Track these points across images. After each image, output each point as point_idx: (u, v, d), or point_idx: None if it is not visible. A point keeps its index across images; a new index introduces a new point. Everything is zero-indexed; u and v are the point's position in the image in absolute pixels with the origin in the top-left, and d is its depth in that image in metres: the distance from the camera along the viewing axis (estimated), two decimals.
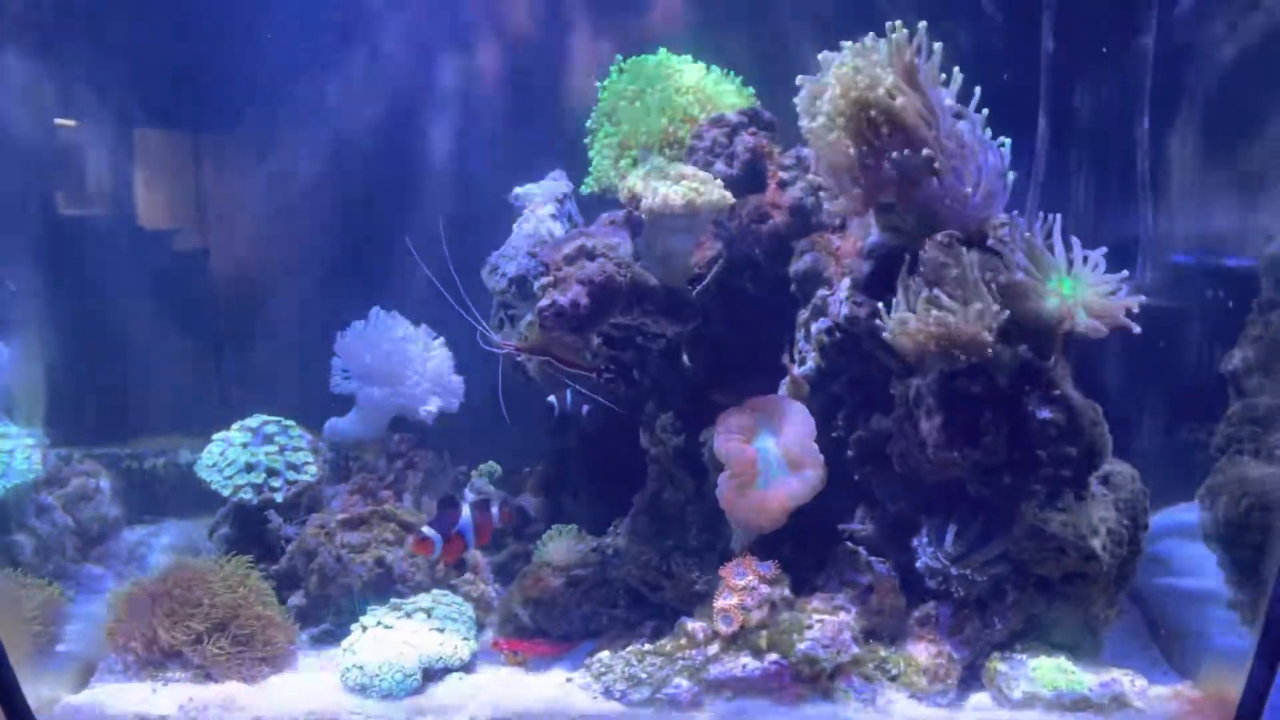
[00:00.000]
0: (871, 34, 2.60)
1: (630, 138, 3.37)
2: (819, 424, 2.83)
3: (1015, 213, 2.67)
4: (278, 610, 2.99)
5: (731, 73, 3.53)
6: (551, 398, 3.36)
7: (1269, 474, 2.84)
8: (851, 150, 2.64)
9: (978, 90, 2.59)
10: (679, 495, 3.01)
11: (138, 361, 4.00)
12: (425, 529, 2.95)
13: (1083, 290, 2.49)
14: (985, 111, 2.59)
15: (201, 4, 3.91)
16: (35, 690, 2.58)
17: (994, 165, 2.61)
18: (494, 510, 3.10)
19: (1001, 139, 2.62)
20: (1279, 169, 3.21)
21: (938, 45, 2.56)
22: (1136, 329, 2.44)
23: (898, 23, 2.55)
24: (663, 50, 3.51)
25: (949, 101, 2.59)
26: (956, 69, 2.59)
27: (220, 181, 4.24)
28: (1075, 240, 2.50)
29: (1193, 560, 3.14)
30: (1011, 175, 2.65)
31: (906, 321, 2.51)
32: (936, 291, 2.48)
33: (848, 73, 2.56)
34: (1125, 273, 2.47)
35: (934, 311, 2.46)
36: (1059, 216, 2.51)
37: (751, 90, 3.50)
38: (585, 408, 3.34)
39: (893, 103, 2.52)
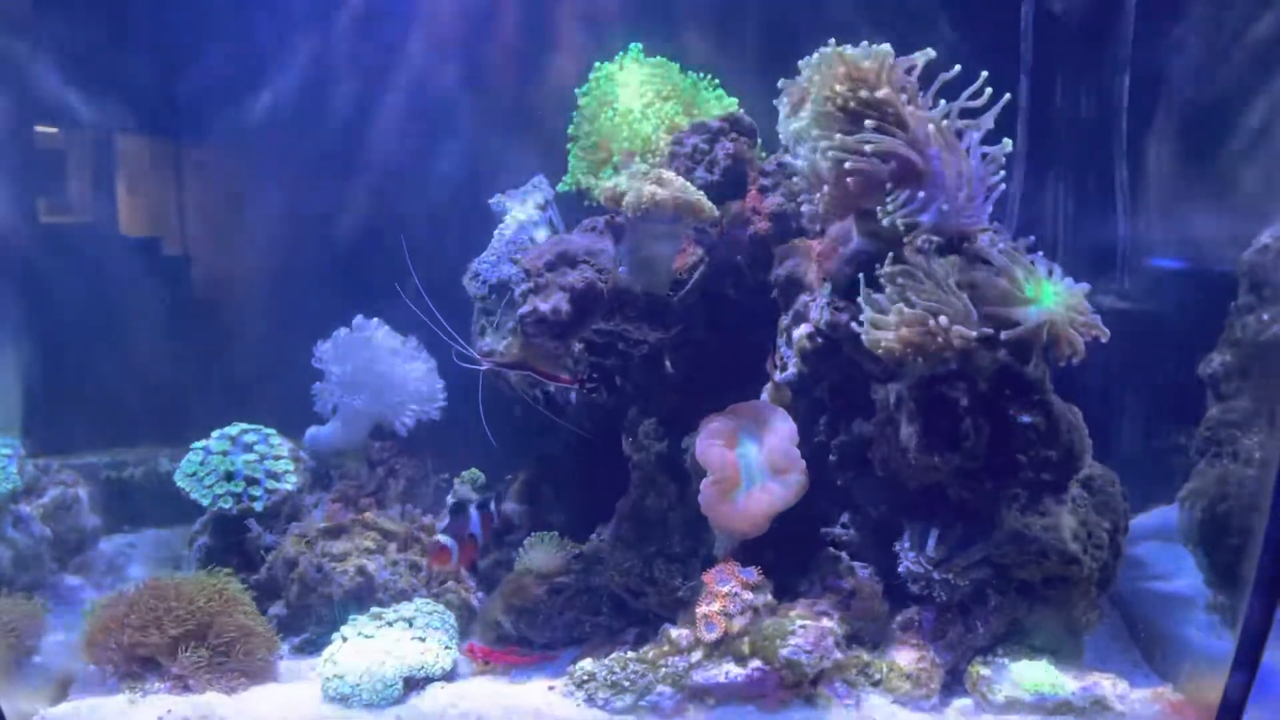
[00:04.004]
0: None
1: (610, 141, 3.36)
2: (801, 429, 2.84)
3: (996, 219, 2.69)
4: (258, 620, 2.96)
5: (710, 77, 3.53)
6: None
7: (1247, 477, 2.85)
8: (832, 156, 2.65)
9: (963, 94, 2.60)
10: (662, 501, 3.01)
11: (117, 370, 3.97)
12: (441, 537, 2.96)
13: (1062, 297, 2.50)
14: (986, 124, 2.59)
15: (184, 10, 3.90)
16: (13, 703, 2.56)
17: (976, 171, 2.61)
18: (492, 508, 3.18)
19: (1004, 141, 2.62)
20: (1255, 174, 3.23)
21: (917, 55, 2.57)
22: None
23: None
24: (635, 48, 3.51)
25: (932, 108, 2.60)
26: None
27: (201, 189, 4.22)
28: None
29: (1173, 563, 3.16)
30: (1001, 174, 2.65)
31: (881, 323, 2.51)
32: (911, 295, 2.49)
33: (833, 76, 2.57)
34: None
35: (905, 313, 2.47)
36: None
37: (734, 101, 3.50)
38: (572, 395, 3.35)
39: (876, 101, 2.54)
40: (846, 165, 2.57)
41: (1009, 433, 2.53)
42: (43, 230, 4.01)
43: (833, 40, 2.68)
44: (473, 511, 3.07)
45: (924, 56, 2.62)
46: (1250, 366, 2.95)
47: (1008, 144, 2.60)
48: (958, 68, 2.57)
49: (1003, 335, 2.43)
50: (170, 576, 3.03)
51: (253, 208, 4.21)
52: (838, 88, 2.58)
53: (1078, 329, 2.46)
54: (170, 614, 2.80)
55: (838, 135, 2.60)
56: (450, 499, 3.67)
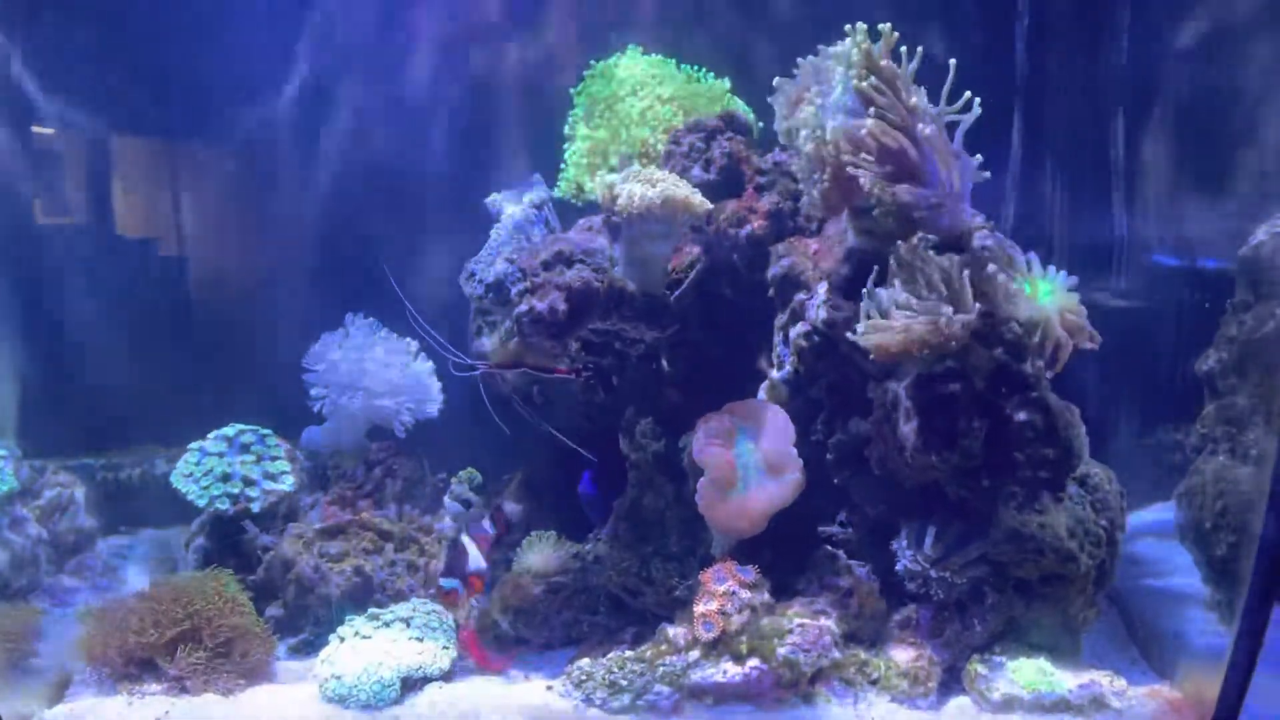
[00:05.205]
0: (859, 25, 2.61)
1: (608, 144, 3.36)
2: (798, 428, 2.84)
3: (992, 217, 2.69)
4: (255, 621, 2.95)
5: (705, 70, 3.52)
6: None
7: (1244, 474, 2.86)
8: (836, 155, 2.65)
9: (946, 91, 2.60)
10: (659, 501, 3.01)
11: (113, 371, 3.96)
12: (443, 581, 2.89)
13: (1058, 296, 2.50)
14: (971, 115, 2.59)
15: (178, 12, 3.89)
16: (10, 705, 2.56)
17: (969, 169, 2.62)
18: (485, 524, 3.10)
19: (975, 156, 2.62)
20: (1253, 171, 3.23)
21: (918, 49, 2.57)
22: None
23: (886, 26, 2.57)
24: (631, 49, 3.50)
25: (925, 106, 2.60)
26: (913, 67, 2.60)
27: (196, 190, 4.21)
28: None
29: (1170, 560, 3.16)
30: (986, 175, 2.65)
31: (877, 324, 2.52)
32: (910, 289, 2.49)
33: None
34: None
35: (903, 314, 2.47)
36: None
37: (727, 85, 3.49)
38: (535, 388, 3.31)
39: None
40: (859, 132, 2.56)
41: (1006, 431, 2.53)
42: (39, 231, 4.01)
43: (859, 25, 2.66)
44: (464, 541, 2.95)
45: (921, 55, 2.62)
46: (1247, 363, 2.95)
47: (979, 158, 2.60)
48: (920, 49, 2.56)
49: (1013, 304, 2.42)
50: (167, 578, 3.03)
51: (249, 208, 4.21)
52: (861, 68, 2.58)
53: (1070, 329, 2.46)
54: (167, 615, 2.80)
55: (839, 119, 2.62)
56: (447, 499, 3.67)
